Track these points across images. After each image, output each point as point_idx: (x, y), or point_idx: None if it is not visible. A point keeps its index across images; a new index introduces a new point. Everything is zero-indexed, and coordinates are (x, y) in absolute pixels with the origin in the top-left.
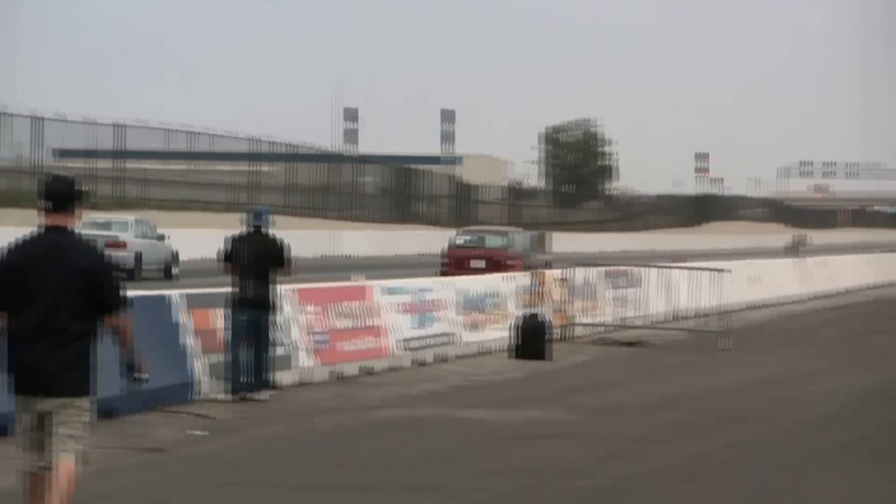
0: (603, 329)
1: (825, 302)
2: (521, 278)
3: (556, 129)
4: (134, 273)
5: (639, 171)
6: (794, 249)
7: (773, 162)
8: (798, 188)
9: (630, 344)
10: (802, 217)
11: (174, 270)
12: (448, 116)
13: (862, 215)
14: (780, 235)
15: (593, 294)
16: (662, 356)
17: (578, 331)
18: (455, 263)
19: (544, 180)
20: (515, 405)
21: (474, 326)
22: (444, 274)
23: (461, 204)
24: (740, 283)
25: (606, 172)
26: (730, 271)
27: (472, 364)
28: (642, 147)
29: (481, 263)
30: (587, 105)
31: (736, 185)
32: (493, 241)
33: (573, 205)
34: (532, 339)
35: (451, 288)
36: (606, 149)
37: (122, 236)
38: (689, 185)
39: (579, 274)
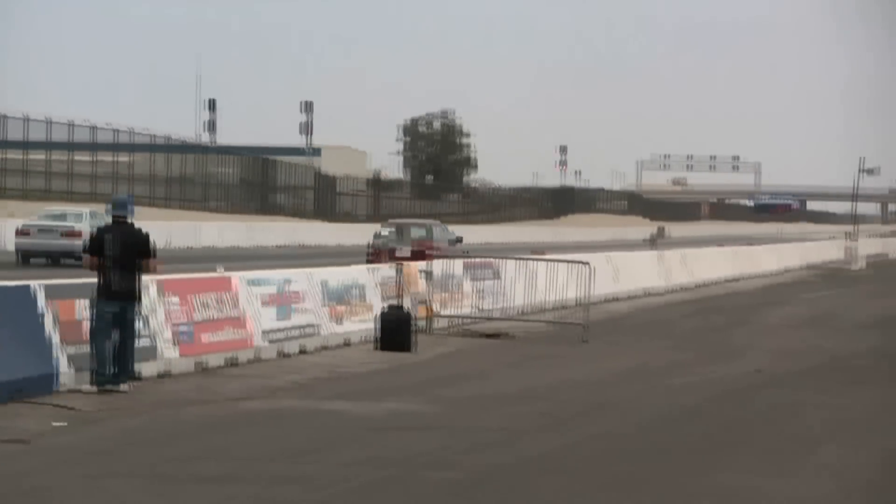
0: (466, 321)
1: (684, 294)
2: (385, 270)
3: (416, 121)
4: None
5: (501, 164)
6: (653, 242)
7: (633, 155)
8: (657, 181)
9: (492, 336)
10: (662, 210)
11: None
12: (307, 108)
13: (721, 208)
14: (640, 228)
15: (456, 286)
16: (525, 348)
17: (441, 323)
18: (382, 253)
19: (405, 172)
20: (379, 397)
21: (338, 318)
22: (370, 262)
23: (322, 195)
24: (601, 276)
25: (466, 164)
26: (589, 263)
27: (335, 356)
28: (504, 139)
29: (406, 253)
30: (449, 97)
31: (597, 178)
32: (415, 233)
33: (434, 196)
34: (395, 330)
35: (314, 279)
36: (465, 140)
37: (77, 226)
38: (550, 178)
39: (442, 266)
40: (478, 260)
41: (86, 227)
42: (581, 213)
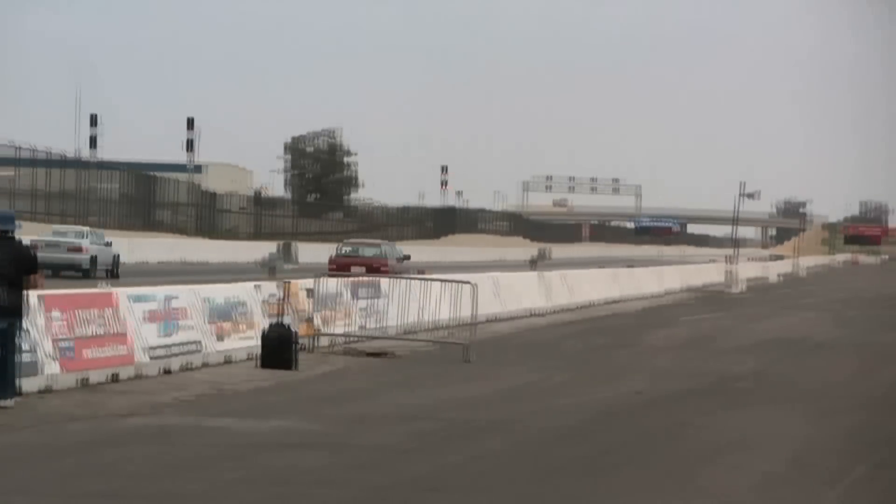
0: (349, 339)
1: (567, 315)
2: (268, 287)
3: (299, 139)
4: (90, 272)
5: (387, 183)
6: (535, 263)
7: (516, 175)
8: (539, 202)
9: (376, 354)
10: (544, 231)
11: (117, 272)
12: (190, 125)
13: (602, 230)
14: (522, 249)
15: (340, 304)
16: (408, 367)
17: (325, 341)
18: (339, 269)
19: (288, 190)
20: (263, 415)
21: (222, 335)
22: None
23: (204, 212)
24: (484, 296)
25: (350, 183)
26: (472, 283)
27: (219, 373)
28: (391, 158)
29: (361, 270)
30: (333, 116)
31: (479, 199)
32: (368, 251)
33: (316, 215)
34: (279, 348)
35: (198, 296)
36: (349, 159)
37: (81, 242)
38: (435, 198)
39: (326, 284)
40: (363, 279)
41: (87, 244)
42: (463, 234)
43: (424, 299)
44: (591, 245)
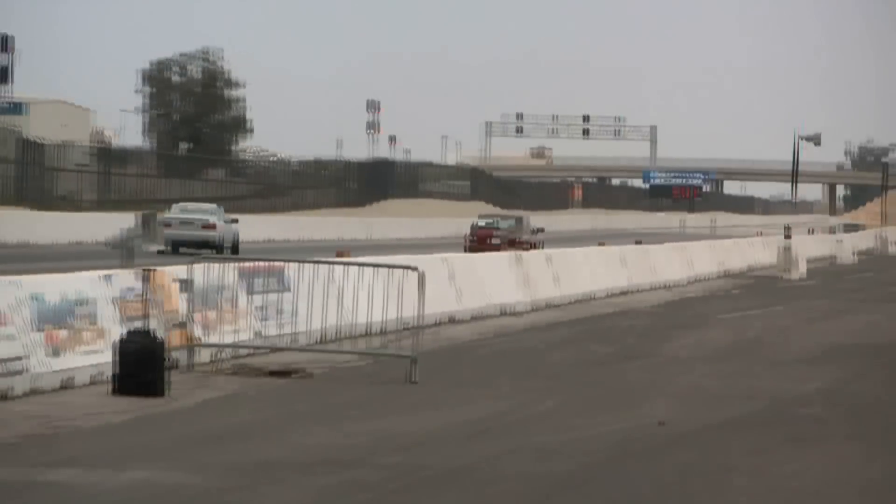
0: (243, 352)
1: (554, 314)
2: (124, 278)
3: (163, 65)
4: (221, 250)
5: (288, 129)
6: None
7: (476, 116)
8: (511, 152)
9: (281, 373)
10: (518, 193)
11: (237, 249)
12: (4, 44)
13: (601, 191)
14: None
15: (228, 301)
16: (328, 391)
17: (207, 354)
18: (480, 242)
19: (147, 138)
20: (120, 463)
21: (57, 348)
22: (469, 250)
23: (27, 171)
24: (436, 287)
25: (235, 127)
26: (418, 269)
27: (55, 402)
28: (292, 95)
29: (499, 241)
30: (212, 33)
31: (424, 149)
32: (504, 223)
33: (189, 173)
34: (141, 366)
35: (19, 291)
36: (234, 93)
37: (212, 219)
38: (358, 148)
39: (207, 273)
40: (260, 264)
41: (219, 221)
42: (403, 199)
43: (349, 293)
44: (584, 213)
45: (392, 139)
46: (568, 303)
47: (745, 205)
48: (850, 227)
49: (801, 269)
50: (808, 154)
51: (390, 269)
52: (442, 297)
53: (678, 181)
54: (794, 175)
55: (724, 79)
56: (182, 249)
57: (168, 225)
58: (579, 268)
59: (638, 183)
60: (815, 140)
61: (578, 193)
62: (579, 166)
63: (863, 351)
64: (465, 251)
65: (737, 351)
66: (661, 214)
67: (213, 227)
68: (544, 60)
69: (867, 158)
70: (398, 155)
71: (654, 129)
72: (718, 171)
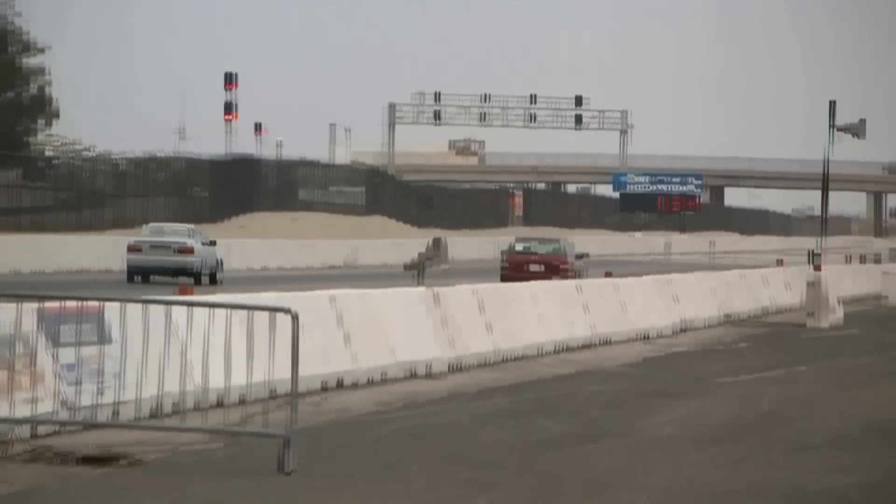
0: (44, 430)
1: (487, 375)
2: None
3: None
4: (199, 278)
5: (108, 114)
6: (421, 268)
7: (379, 97)
8: (423, 147)
9: (99, 460)
10: (436, 203)
11: (218, 276)
12: None
13: (549, 200)
14: (392, 240)
15: (23, 358)
16: (164, 486)
17: None
18: (514, 270)
19: None
20: None
21: None
22: (504, 279)
23: None
24: (320, 336)
25: (34, 110)
26: (292, 311)
27: None
28: (106, 68)
29: (540, 269)
30: None
31: (304, 142)
32: (543, 248)
33: None
34: None
35: None
36: (33, 61)
37: (189, 242)
38: (211, 142)
39: None
40: (69, 304)
41: (197, 245)
42: (273, 211)
43: (196, 345)
44: (526, 230)
45: (258, 127)
46: (506, 359)
47: (756, 222)
48: None
49: (836, 313)
50: (846, 151)
51: (251, 312)
52: (328, 350)
53: (662, 188)
54: (825, 180)
55: (722, 49)
56: (154, 278)
57: (137, 249)
58: (522, 310)
59: (605, 190)
60: (856, 131)
61: (518, 203)
62: (522, 166)
63: None
64: (501, 280)
65: (743, 429)
66: (638, 235)
67: (189, 250)
68: (474, 21)
69: None
70: (267, 150)
71: (625, 114)
72: (718, 175)
